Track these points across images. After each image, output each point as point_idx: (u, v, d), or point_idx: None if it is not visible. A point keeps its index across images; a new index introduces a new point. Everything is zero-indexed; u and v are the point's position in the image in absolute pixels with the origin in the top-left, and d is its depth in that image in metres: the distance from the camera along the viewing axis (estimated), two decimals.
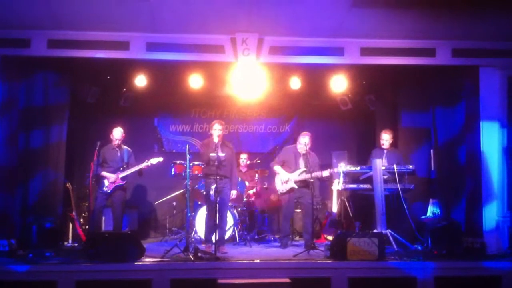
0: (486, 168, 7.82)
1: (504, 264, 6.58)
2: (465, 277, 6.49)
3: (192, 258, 6.55)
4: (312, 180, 7.70)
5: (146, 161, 7.97)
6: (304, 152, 7.99)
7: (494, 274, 6.53)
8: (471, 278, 6.50)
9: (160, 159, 8.09)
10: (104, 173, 7.87)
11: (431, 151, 8.94)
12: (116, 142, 8.04)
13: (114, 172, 7.92)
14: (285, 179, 8.06)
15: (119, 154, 8.07)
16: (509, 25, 7.23)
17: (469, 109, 8.11)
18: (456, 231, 7.40)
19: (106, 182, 7.88)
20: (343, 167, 7.84)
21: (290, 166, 8.09)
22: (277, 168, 8.19)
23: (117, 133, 8.05)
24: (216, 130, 7.59)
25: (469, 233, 7.65)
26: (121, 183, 7.91)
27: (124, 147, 8.19)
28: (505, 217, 7.61)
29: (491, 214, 7.71)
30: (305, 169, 7.91)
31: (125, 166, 8.02)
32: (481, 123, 7.88)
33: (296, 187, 7.96)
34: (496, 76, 7.92)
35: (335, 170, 7.79)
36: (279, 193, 8.26)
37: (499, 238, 7.55)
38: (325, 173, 7.84)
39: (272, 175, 8.63)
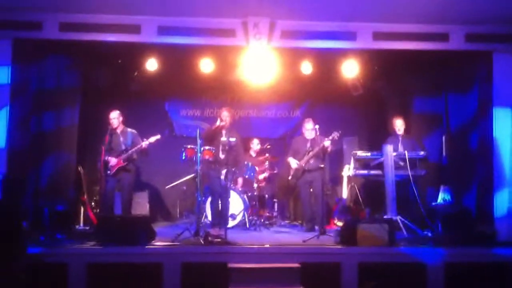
0: (498, 155, 7.74)
1: None
2: (475, 264, 6.47)
3: (203, 242, 6.60)
4: (322, 166, 7.88)
5: (145, 140, 7.92)
6: (313, 137, 8.19)
7: (504, 261, 6.51)
8: (481, 264, 6.48)
9: (158, 136, 7.98)
10: (107, 158, 7.83)
11: (443, 137, 8.89)
12: (115, 125, 7.94)
13: (118, 156, 7.87)
14: (294, 166, 8.32)
15: (121, 138, 7.98)
16: None
17: (482, 95, 8.03)
18: (466, 218, 7.33)
19: (109, 166, 7.87)
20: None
21: (300, 153, 8.36)
22: (289, 159, 8.46)
23: (113, 114, 7.96)
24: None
25: (480, 220, 7.61)
26: (122, 164, 7.86)
27: (129, 129, 8.11)
28: None
29: (503, 201, 7.65)
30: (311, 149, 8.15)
31: (128, 148, 7.95)
32: (493, 109, 7.79)
33: (306, 168, 8.20)
34: (510, 62, 7.79)
35: (334, 136, 7.83)
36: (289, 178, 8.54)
37: (510, 225, 7.48)
38: (326, 142, 7.85)
39: (283, 162, 8.98)
